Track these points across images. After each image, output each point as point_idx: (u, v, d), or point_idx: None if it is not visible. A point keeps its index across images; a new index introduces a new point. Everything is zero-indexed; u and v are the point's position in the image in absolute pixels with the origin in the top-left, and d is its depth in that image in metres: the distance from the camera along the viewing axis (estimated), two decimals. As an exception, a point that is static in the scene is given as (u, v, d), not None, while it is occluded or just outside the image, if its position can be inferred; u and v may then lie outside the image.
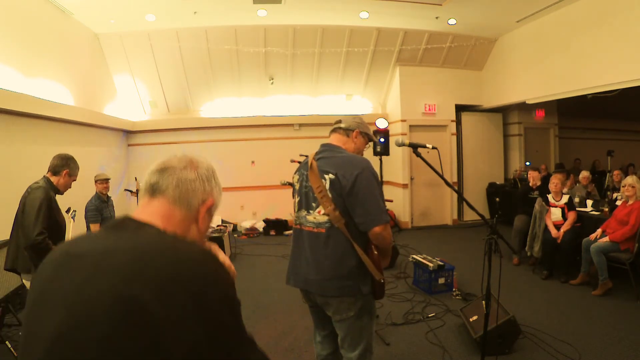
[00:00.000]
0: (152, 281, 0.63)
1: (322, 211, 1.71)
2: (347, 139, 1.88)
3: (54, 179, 2.57)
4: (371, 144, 2.16)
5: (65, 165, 2.59)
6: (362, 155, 1.93)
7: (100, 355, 0.59)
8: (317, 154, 1.85)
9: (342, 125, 1.89)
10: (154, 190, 0.84)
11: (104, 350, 0.59)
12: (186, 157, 0.88)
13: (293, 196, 1.93)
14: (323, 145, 1.88)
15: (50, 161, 2.61)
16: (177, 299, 0.63)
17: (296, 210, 1.87)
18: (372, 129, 2.04)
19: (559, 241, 4.21)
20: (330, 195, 1.69)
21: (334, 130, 1.92)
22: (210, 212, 0.89)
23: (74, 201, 3.53)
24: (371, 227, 1.65)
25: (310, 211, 1.77)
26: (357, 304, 1.70)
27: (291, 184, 2.05)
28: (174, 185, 0.84)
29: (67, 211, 3.23)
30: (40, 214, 2.36)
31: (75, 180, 2.72)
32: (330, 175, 1.71)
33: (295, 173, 1.93)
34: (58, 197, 2.61)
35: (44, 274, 0.72)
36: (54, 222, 2.48)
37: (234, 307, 0.74)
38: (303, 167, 1.87)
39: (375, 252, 1.72)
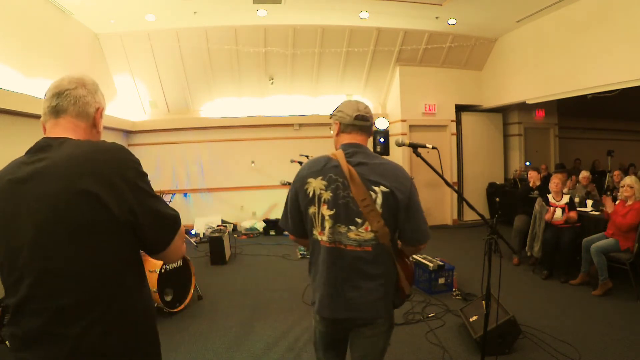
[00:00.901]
0: (95, 175, 0.95)
1: (370, 227, 1.45)
2: (367, 138, 1.60)
3: None
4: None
5: None
6: None
7: (72, 232, 0.93)
8: (349, 156, 1.50)
9: (368, 123, 1.59)
10: (57, 112, 1.05)
11: (75, 228, 0.93)
12: (73, 78, 1.08)
13: (307, 206, 1.52)
14: (351, 146, 1.53)
15: None
16: (114, 183, 0.96)
17: (328, 225, 1.47)
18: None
19: (551, 220, 4.34)
20: (380, 210, 1.44)
21: (362, 130, 1.57)
22: (102, 116, 1.15)
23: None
24: (422, 242, 1.54)
25: (352, 227, 1.46)
26: (390, 320, 1.59)
27: (286, 183, 1.75)
28: (73, 103, 1.06)
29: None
30: None
31: None
32: (383, 188, 1.44)
33: (309, 178, 1.51)
34: None
35: None
36: None
37: (145, 177, 1.04)
38: (333, 172, 1.48)
39: (409, 264, 1.63)
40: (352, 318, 1.50)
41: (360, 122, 1.55)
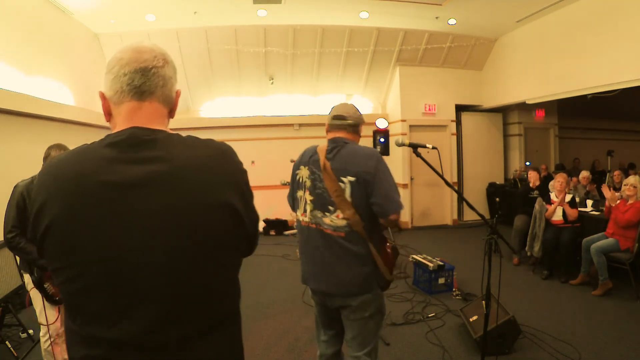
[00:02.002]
0: (230, 185, 0.85)
1: (341, 215, 1.64)
2: (356, 136, 1.81)
3: None
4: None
5: (47, 157, 2.34)
6: None
7: (212, 251, 0.81)
8: (328, 151, 1.72)
9: (350, 121, 1.77)
10: (142, 93, 0.84)
11: (215, 247, 0.81)
12: (157, 52, 0.86)
13: (296, 189, 1.81)
14: (332, 142, 1.75)
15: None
16: (243, 192, 0.88)
17: (309, 208, 1.73)
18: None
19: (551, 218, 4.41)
20: (350, 199, 1.62)
21: (339, 128, 1.77)
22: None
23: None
24: (391, 212, 1.63)
25: (327, 214, 1.68)
26: (374, 304, 1.72)
27: (286, 183, 2.01)
28: (161, 85, 0.86)
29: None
30: (12, 210, 2.19)
31: None
32: (350, 178, 1.62)
33: (300, 166, 1.79)
34: None
35: (86, 211, 0.75)
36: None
37: (249, 182, 0.93)
38: (313, 165, 1.73)
39: (389, 251, 1.74)
40: (329, 292, 1.72)
41: (337, 121, 1.78)
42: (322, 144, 1.79)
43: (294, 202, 1.86)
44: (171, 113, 0.94)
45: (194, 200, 0.79)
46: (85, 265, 0.75)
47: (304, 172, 1.77)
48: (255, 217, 0.94)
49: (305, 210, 1.76)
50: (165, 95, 0.88)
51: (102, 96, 0.87)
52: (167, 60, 0.88)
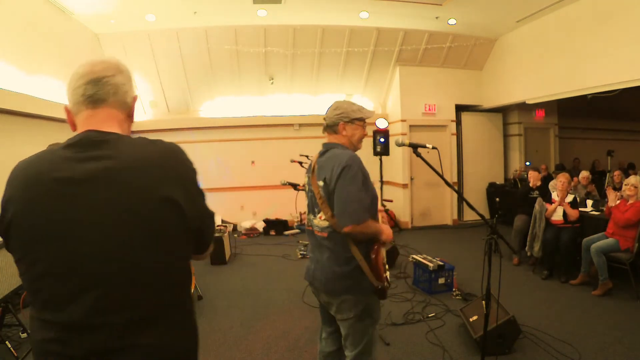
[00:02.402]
0: (174, 180, 0.92)
1: (323, 217, 1.70)
2: (338, 136, 1.80)
3: None
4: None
5: None
6: (357, 143, 1.83)
7: (153, 241, 0.87)
8: (320, 155, 1.80)
9: (327, 122, 1.81)
10: (95, 101, 0.93)
11: (157, 237, 0.88)
12: (109, 63, 0.96)
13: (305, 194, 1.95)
14: (323, 145, 1.84)
15: None
16: (189, 189, 0.95)
17: (307, 211, 1.88)
18: (372, 128, 1.91)
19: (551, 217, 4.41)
20: (327, 202, 1.68)
21: (324, 130, 1.86)
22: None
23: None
24: (343, 225, 1.60)
25: (315, 215, 1.77)
26: (359, 306, 1.70)
27: (286, 183, 2.03)
28: (113, 92, 0.95)
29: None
30: None
31: None
32: (321, 182, 1.70)
33: (306, 172, 1.91)
34: None
35: (42, 204, 0.84)
36: None
37: (197, 177, 1.00)
38: (308, 170, 1.85)
39: (374, 257, 1.68)
40: (316, 287, 1.80)
41: (327, 122, 1.83)
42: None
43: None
44: (130, 117, 1.04)
45: (137, 193, 0.86)
46: (39, 254, 0.83)
47: (306, 179, 1.89)
48: (202, 214, 1.00)
49: (307, 213, 1.87)
50: (118, 101, 0.98)
51: (67, 111, 0.97)
52: (120, 69, 0.98)
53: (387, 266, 1.82)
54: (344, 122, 1.77)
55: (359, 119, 1.79)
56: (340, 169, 1.61)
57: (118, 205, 0.85)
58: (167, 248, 0.90)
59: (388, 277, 1.79)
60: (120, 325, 0.84)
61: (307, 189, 1.85)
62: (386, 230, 1.74)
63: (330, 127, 1.81)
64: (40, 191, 0.84)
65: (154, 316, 0.89)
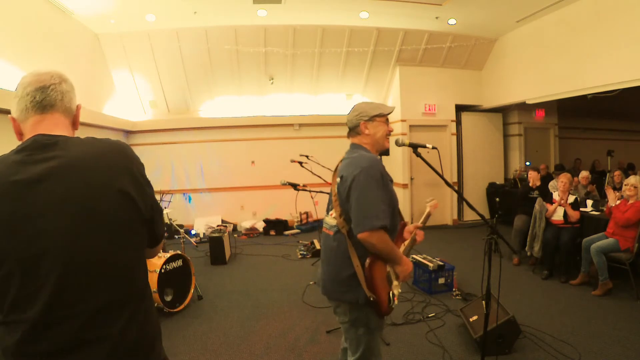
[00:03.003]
0: (126, 174, 0.98)
1: (334, 214, 1.71)
2: (361, 137, 1.79)
3: None
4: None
5: None
6: (382, 141, 1.80)
7: (111, 232, 0.93)
8: (346, 154, 1.82)
9: (349, 125, 1.82)
10: (44, 107, 0.98)
11: (114, 228, 0.93)
12: (53, 73, 1.02)
13: None
14: (350, 146, 1.83)
15: None
16: (139, 182, 1.01)
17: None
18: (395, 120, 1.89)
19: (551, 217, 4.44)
20: (338, 200, 1.68)
21: (348, 135, 1.85)
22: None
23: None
24: (356, 233, 1.57)
25: (327, 213, 1.80)
26: (352, 313, 1.68)
27: (286, 183, 2.04)
28: (60, 98, 1.01)
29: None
30: None
31: None
32: (338, 179, 1.70)
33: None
34: None
35: (2, 206, 0.86)
36: None
37: (144, 171, 1.07)
38: (334, 170, 1.85)
39: (368, 265, 1.61)
40: (319, 283, 1.81)
41: (349, 125, 1.82)
42: None
43: None
44: (74, 125, 1.08)
45: (91, 188, 0.91)
46: (2, 256, 0.85)
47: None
48: (153, 206, 1.05)
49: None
50: (65, 107, 1.03)
51: (12, 120, 1.00)
52: (64, 78, 1.04)
53: (395, 283, 1.72)
54: (364, 121, 1.76)
55: (378, 115, 1.77)
56: (359, 171, 1.60)
57: (74, 200, 0.89)
58: (124, 239, 0.96)
59: (393, 294, 1.70)
60: (87, 316, 0.88)
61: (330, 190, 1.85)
62: (407, 263, 1.69)
63: (353, 129, 1.80)
64: (0, 196, 0.86)
65: (118, 306, 0.93)
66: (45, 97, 0.98)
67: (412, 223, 1.93)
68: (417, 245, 1.75)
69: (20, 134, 1.00)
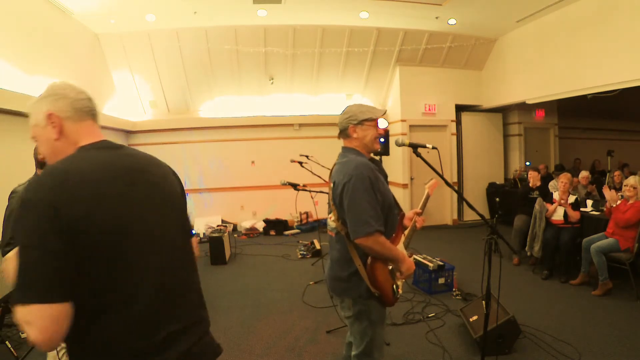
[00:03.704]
0: (171, 174, 1.16)
1: (333, 217, 1.76)
2: (350, 140, 1.80)
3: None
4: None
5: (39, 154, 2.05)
6: (371, 144, 1.79)
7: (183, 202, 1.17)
8: (338, 159, 1.84)
9: (339, 127, 1.82)
10: (94, 115, 1.09)
11: (183, 201, 1.17)
12: (77, 85, 1.09)
13: None
14: (342, 149, 1.85)
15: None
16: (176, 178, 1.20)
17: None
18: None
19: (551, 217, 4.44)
20: (335, 205, 1.74)
21: (339, 136, 1.86)
22: None
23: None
24: (352, 239, 1.62)
25: (329, 216, 1.83)
26: (356, 307, 1.73)
27: (286, 183, 2.07)
28: (97, 109, 1.11)
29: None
30: (11, 220, 1.98)
31: None
32: (331, 184, 1.75)
33: None
34: None
35: (120, 185, 0.97)
36: None
37: None
38: (330, 173, 1.88)
39: (369, 264, 1.66)
40: (328, 285, 1.85)
41: (339, 128, 1.83)
42: None
43: None
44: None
45: (173, 186, 1.15)
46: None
47: None
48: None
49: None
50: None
51: (50, 115, 1.02)
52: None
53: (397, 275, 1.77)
54: (353, 125, 1.76)
55: (367, 120, 1.76)
56: (346, 180, 1.63)
57: (170, 197, 1.09)
58: (187, 232, 1.14)
59: (397, 285, 1.74)
60: (196, 301, 1.09)
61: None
62: (408, 263, 1.72)
63: (342, 132, 1.82)
64: (110, 187, 0.94)
65: (200, 294, 1.13)
66: (94, 107, 1.09)
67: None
68: (417, 246, 1.74)
69: (60, 133, 1.02)
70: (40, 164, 2.16)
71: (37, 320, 0.78)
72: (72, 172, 0.90)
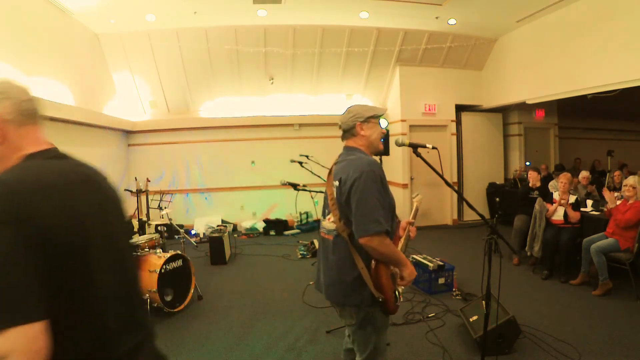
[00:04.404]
0: (110, 183, 1.08)
1: (332, 219, 1.68)
2: (356, 138, 1.77)
3: None
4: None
5: None
6: (376, 143, 1.78)
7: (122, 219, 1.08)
8: (339, 157, 1.79)
9: (343, 127, 1.79)
10: (39, 118, 0.98)
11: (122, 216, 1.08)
12: (21, 83, 0.97)
13: None
14: (344, 148, 1.81)
15: None
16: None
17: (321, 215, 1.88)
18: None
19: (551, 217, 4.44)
20: (337, 204, 1.65)
21: (343, 138, 1.83)
22: None
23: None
24: (357, 237, 1.55)
25: (324, 217, 1.77)
26: (360, 314, 1.67)
27: (286, 183, 2.00)
28: (41, 112, 1.00)
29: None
30: None
31: None
32: (336, 182, 1.67)
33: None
34: None
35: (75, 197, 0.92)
36: None
37: None
38: (329, 173, 1.82)
39: (374, 267, 1.62)
40: (320, 290, 1.79)
41: (343, 128, 1.79)
42: None
43: None
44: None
45: (116, 197, 1.10)
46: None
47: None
48: None
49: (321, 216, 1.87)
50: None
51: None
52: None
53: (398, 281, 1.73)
54: (360, 122, 1.74)
55: (373, 117, 1.76)
56: (359, 173, 1.57)
57: (119, 205, 1.07)
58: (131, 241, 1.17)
59: (398, 292, 1.70)
60: (145, 311, 1.08)
61: (324, 191, 1.82)
62: (410, 267, 1.68)
63: (348, 131, 1.77)
64: (71, 197, 0.89)
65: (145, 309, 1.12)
66: (39, 109, 0.98)
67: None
68: (417, 246, 1.75)
69: (3, 137, 0.90)
70: None
71: (20, 345, 0.68)
72: (29, 182, 0.83)
